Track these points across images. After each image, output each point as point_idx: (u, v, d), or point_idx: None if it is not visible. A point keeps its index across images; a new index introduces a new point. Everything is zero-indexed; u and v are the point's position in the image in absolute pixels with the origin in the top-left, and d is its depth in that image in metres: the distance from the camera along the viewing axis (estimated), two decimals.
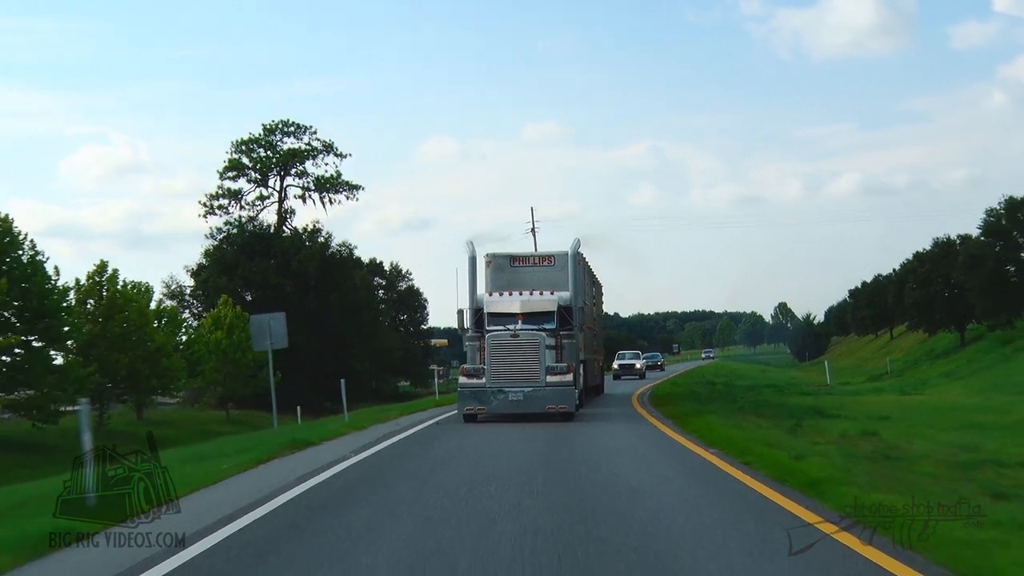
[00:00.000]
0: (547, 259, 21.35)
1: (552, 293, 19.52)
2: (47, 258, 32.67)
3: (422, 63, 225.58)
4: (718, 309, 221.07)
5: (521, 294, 19.54)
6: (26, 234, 32.11)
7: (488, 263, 20.86)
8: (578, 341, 20.03)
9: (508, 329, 18.43)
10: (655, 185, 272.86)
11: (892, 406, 24.19)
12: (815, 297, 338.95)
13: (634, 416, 19.51)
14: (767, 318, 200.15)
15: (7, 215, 31.71)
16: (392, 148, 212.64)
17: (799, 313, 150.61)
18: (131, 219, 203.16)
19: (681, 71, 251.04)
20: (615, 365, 48.69)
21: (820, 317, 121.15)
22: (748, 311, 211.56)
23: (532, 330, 18.36)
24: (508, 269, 20.97)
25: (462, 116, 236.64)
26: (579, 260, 21.09)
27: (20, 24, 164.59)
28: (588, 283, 23.82)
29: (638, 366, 49.08)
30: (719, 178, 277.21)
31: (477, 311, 19.38)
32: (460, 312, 19.92)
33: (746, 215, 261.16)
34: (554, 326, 18.87)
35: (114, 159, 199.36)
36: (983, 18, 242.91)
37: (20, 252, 31.73)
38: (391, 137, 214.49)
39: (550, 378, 17.82)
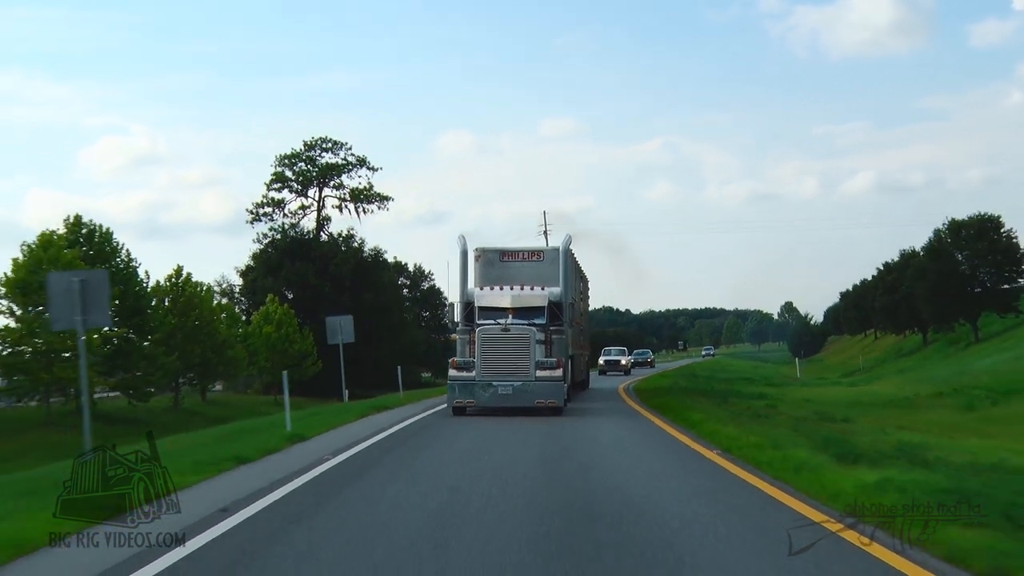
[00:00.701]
0: (536, 254, 21.51)
1: (543, 288, 19.75)
2: (139, 263, 39.46)
3: (438, 58, 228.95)
4: (729, 307, 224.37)
5: (512, 289, 19.72)
6: (123, 244, 38.85)
7: (477, 257, 20.85)
8: (567, 336, 20.52)
9: (499, 323, 18.76)
10: (670, 181, 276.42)
11: (826, 395, 30.35)
12: (823, 296, 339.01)
13: (613, 398, 25.72)
14: (776, 317, 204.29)
15: (108, 228, 38.55)
16: (408, 142, 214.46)
17: (805, 312, 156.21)
18: (147, 209, 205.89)
19: (697, 67, 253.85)
20: (601, 361, 49.44)
21: (821, 317, 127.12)
22: (758, 309, 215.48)
23: (523, 325, 18.71)
24: (498, 264, 21.01)
25: (478, 111, 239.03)
26: (569, 256, 21.59)
27: (44, 15, 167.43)
28: (576, 279, 24.25)
29: (623, 362, 49.88)
30: (734, 175, 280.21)
31: (467, 305, 19.66)
32: (451, 305, 20.84)
33: (760, 212, 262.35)
34: (544, 321, 19.16)
35: (132, 150, 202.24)
36: (1002, 16, 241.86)
37: (119, 259, 38.44)
38: (407, 131, 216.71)
39: (539, 373, 18.18)
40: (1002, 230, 42.53)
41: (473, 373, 18.30)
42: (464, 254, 20.46)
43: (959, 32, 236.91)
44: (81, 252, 35.22)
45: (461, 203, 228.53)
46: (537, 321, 19.05)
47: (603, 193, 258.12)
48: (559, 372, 18.41)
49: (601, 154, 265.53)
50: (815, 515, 6.77)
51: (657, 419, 16.62)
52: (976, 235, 42.89)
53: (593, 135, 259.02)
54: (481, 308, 19.35)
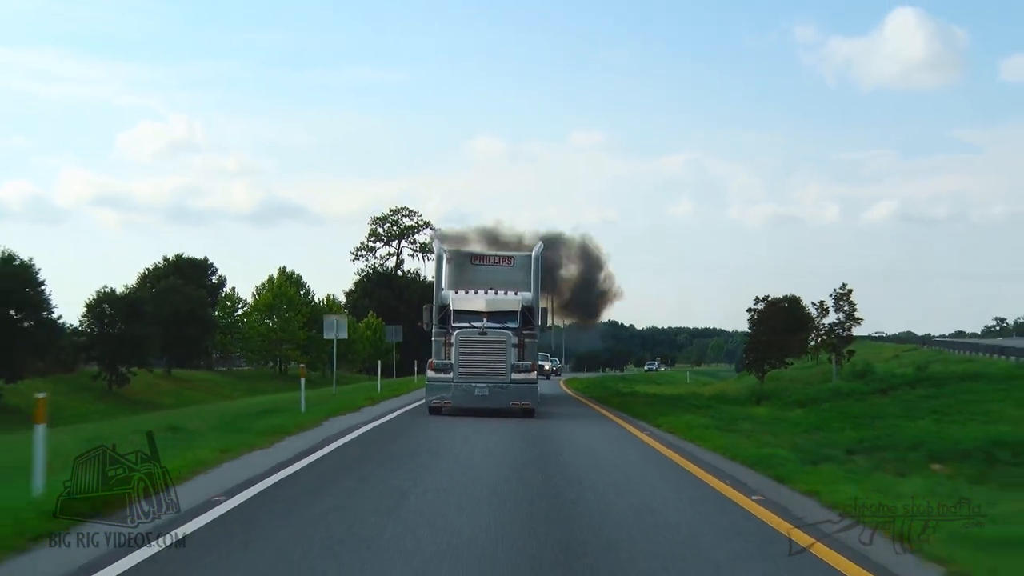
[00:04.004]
0: (507, 259, 21.85)
1: (516, 293, 20.09)
2: (314, 295, 69.90)
3: (472, 62, 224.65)
4: (728, 327, 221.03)
5: (486, 293, 19.97)
6: (306, 282, 69.32)
7: (449, 260, 21.04)
8: (538, 340, 20.88)
9: (475, 327, 18.92)
10: (693, 198, 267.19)
11: (670, 388, 60.00)
12: None
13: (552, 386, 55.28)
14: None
15: (299, 273, 69.07)
16: (437, 143, 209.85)
17: None
18: (179, 194, 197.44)
19: (728, 89, 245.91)
20: None
21: None
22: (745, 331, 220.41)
23: (498, 328, 18.94)
24: (468, 267, 21.30)
25: (510, 118, 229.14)
26: (540, 263, 21.68)
27: None
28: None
29: (547, 367, 58.56)
30: (757, 195, 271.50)
31: (442, 308, 20.00)
32: (426, 308, 21.37)
33: (778, 235, 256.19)
34: (517, 325, 19.42)
35: (169, 135, 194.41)
36: None
37: (303, 290, 68.85)
38: (437, 132, 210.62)
39: (515, 375, 18.63)
40: (800, 304, 67.35)
41: (450, 375, 18.62)
42: (440, 258, 21.02)
43: (990, 67, 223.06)
44: (294, 288, 65.73)
45: (486, 207, 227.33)
46: (510, 325, 19.39)
47: (627, 206, 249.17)
48: (533, 375, 19.14)
49: (628, 167, 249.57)
50: (688, 466, 10.27)
51: (573, 393, 46.52)
52: (786, 309, 69.15)
53: (623, 148, 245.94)
54: (456, 311, 19.63)
